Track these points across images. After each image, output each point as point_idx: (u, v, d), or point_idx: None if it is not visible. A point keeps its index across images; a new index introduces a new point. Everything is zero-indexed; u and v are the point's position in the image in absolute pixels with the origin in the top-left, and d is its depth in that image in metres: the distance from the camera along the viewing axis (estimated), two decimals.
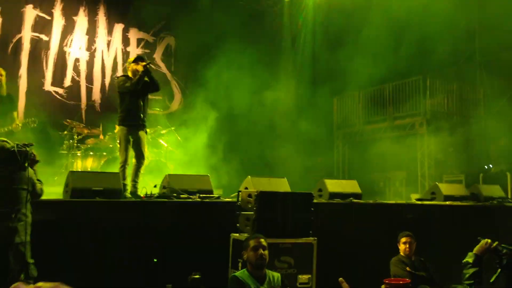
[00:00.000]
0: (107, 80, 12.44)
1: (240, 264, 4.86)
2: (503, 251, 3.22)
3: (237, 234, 5.22)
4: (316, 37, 14.54)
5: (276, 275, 4.21)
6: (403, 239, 5.81)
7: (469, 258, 3.21)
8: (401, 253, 5.80)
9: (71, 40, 12.02)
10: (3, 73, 7.28)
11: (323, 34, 14.35)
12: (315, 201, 5.87)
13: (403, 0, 11.88)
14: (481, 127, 13.16)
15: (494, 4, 11.74)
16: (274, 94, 12.89)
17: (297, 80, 14.40)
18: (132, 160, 6.85)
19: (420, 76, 12.72)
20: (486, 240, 3.31)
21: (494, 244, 3.27)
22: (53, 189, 6.44)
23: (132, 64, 6.97)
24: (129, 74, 6.98)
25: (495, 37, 11.99)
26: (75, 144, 9.27)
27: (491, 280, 3.13)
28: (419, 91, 12.72)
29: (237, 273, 4.13)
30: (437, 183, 8.75)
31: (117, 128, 7.08)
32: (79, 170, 8.77)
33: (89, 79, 12.20)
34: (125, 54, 12.75)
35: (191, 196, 5.86)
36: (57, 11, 11.89)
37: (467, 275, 3.14)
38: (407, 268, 5.53)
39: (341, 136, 14.89)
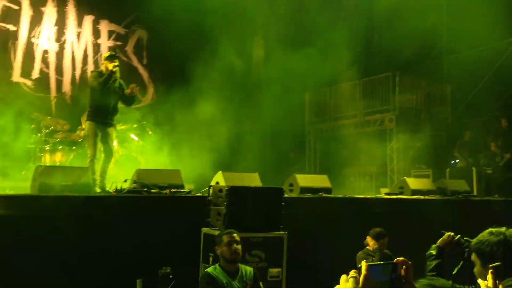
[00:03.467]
0: (78, 73, 12.22)
1: (211, 259, 4.89)
2: (465, 244, 3.30)
3: (208, 229, 5.24)
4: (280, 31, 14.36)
5: (249, 269, 4.23)
6: (381, 241, 5.63)
7: (433, 251, 3.29)
8: (369, 248, 5.89)
9: (39, 31, 11.76)
10: None
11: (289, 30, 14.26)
12: (286, 195, 5.94)
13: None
14: (447, 123, 13.50)
15: (461, 3, 12.01)
16: (245, 90, 12.87)
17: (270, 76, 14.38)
18: (101, 155, 6.80)
19: (390, 73, 12.94)
20: (449, 233, 3.39)
21: (457, 237, 3.34)
22: (20, 184, 6.32)
23: (106, 61, 6.94)
24: (103, 69, 6.95)
25: (462, 35, 12.27)
26: (43, 138, 9.08)
27: (453, 272, 3.22)
28: (389, 88, 12.93)
29: (209, 269, 4.12)
30: (405, 177, 8.94)
31: (85, 122, 7.01)
32: (47, 164, 8.60)
33: (59, 71, 11.97)
34: (96, 46, 12.55)
35: (161, 191, 5.84)
36: (25, 1, 11.61)
37: (430, 267, 3.22)
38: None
39: (313, 131, 15.02)
